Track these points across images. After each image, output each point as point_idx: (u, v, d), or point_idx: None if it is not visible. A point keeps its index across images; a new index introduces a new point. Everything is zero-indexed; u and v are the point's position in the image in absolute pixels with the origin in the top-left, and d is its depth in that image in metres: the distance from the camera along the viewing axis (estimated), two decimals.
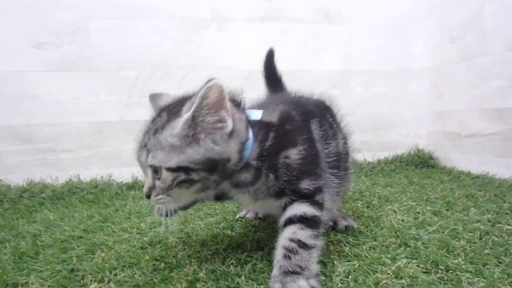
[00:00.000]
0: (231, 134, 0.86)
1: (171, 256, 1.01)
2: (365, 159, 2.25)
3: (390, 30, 2.32)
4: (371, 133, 2.32)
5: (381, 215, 1.28)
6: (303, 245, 0.87)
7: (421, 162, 2.21)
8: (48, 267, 0.97)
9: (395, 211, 1.33)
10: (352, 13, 2.25)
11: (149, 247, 1.08)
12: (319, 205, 0.93)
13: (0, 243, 1.17)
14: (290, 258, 0.86)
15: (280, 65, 2.14)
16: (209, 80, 0.84)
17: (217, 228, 1.24)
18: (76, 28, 1.88)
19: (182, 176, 0.83)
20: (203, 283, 0.86)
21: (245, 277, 0.87)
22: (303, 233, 0.89)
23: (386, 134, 2.35)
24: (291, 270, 0.84)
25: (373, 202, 1.46)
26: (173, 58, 1.99)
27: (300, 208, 0.91)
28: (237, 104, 1.00)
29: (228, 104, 0.87)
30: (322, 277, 0.88)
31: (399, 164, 2.18)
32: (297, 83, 2.14)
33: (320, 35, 2.19)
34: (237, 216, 1.35)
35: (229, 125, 0.86)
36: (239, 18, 2.06)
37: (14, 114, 1.83)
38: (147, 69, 1.95)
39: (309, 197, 0.92)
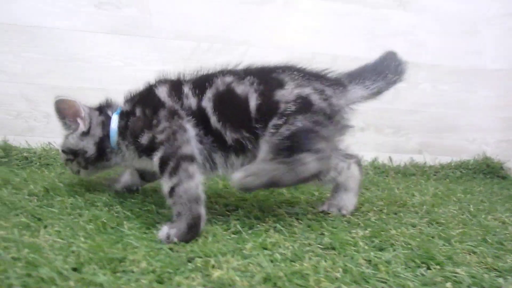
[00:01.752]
0: (86, 133, 1.16)
1: None
2: (425, 162, 2.00)
3: (464, 26, 2.07)
4: (434, 134, 2.07)
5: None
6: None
7: (490, 172, 1.93)
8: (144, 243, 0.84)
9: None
10: (427, 3, 2.00)
11: None
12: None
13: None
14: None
15: (342, 50, 1.94)
16: (57, 96, 1.14)
17: None
18: None
19: (64, 156, 1.20)
20: None
21: None
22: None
23: (449, 137, 2.09)
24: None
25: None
26: (233, 32, 1.81)
27: None
28: (99, 108, 1.21)
29: (84, 112, 1.15)
30: None
31: (465, 171, 1.91)
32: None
33: (389, 22, 1.97)
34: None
35: (81, 128, 1.15)
36: None
37: (64, 75, 1.70)
38: (205, 40, 1.77)
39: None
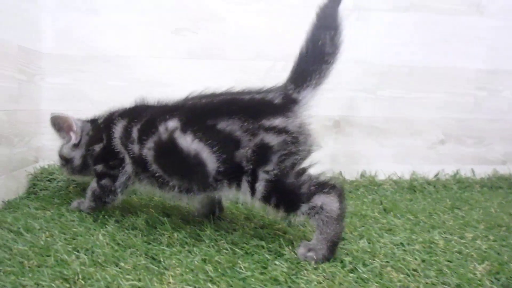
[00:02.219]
0: (76, 145, 1.36)
1: None
2: (511, 173, 1.87)
3: None
4: None
5: None
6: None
7: None
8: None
9: None
10: (506, 6, 1.87)
11: None
12: (103, 183, 1.26)
13: None
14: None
15: (420, 60, 1.86)
16: (52, 113, 1.38)
17: None
18: (212, 14, 1.74)
19: (59, 161, 1.42)
20: None
21: None
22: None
23: None
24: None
25: None
26: None
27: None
28: (92, 121, 1.40)
29: (75, 127, 1.36)
30: None
31: None
32: (436, 81, 1.86)
33: (467, 29, 1.88)
34: None
35: (73, 140, 1.36)
36: (381, 7, 1.78)
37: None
38: (282, 59, 1.75)
39: (97, 176, 1.29)
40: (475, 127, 1.91)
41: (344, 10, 1.72)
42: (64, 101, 1.72)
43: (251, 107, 1.04)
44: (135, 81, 1.71)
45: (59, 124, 1.36)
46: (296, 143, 0.99)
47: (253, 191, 1.00)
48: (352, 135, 1.84)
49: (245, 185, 1.01)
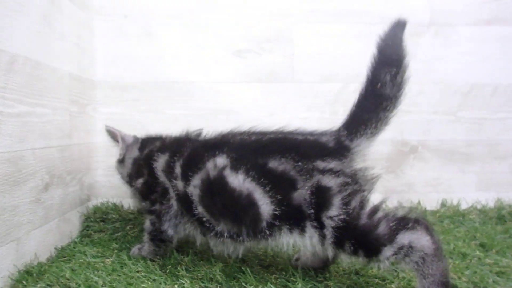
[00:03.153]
0: (121, 161, 1.26)
1: None
2: None
3: None
4: None
5: None
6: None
7: None
8: None
9: None
10: None
11: None
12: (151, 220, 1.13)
13: None
14: None
15: (505, 78, 1.64)
16: (106, 126, 1.31)
17: None
18: (277, 35, 1.58)
19: None
20: None
21: None
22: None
23: None
24: None
25: None
26: None
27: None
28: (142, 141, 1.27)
29: (121, 144, 1.26)
30: None
31: None
32: None
33: None
34: None
35: (120, 155, 1.27)
36: (460, 22, 1.61)
37: (207, 128, 1.52)
38: (353, 81, 1.56)
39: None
40: None
41: (420, 25, 1.60)
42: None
43: (305, 147, 0.92)
44: (195, 109, 1.55)
45: (112, 138, 1.32)
46: (357, 182, 0.87)
47: (322, 236, 0.87)
48: (431, 161, 1.64)
49: (311, 230, 0.88)
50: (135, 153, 1.21)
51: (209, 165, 0.95)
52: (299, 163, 0.88)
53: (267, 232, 0.90)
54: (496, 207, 1.63)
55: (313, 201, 0.86)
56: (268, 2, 1.56)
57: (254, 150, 0.94)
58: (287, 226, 0.89)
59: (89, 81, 1.47)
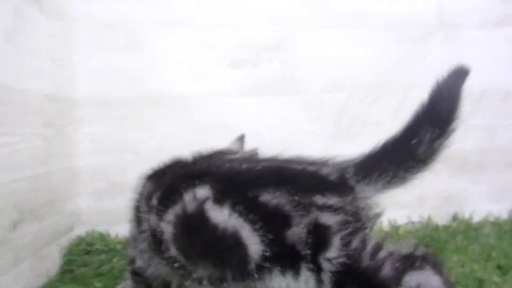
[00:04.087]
0: None
1: None
2: None
3: None
4: None
5: None
6: None
7: None
8: None
9: None
10: None
11: None
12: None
13: None
14: None
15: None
16: None
17: None
18: (277, 42, 1.43)
19: None
20: None
21: None
22: None
23: None
24: None
25: None
26: (389, 76, 1.47)
27: None
28: None
29: None
30: None
31: None
32: None
33: None
34: None
35: None
36: (469, 24, 1.48)
37: (203, 145, 1.36)
38: (358, 91, 1.44)
39: None
40: None
41: (428, 28, 1.46)
42: (103, 154, 1.36)
43: (302, 179, 0.77)
44: (189, 124, 1.38)
45: None
46: (359, 220, 0.74)
47: (319, 281, 0.73)
48: (442, 172, 1.52)
49: (306, 273, 0.73)
50: None
51: (187, 197, 0.78)
52: (295, 197, 0.73)
53: (256, 276, 0.75)
54: (510, 219, 1.51)
55: (309, 240, 0.72)
56: (265, 8, 1.41)
57: (244, 181, 0.78)
58: (279, 267, 0.74)
59: (67, 99, 1.29)
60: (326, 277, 0.72)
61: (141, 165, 1.40)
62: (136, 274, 0.95)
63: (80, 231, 1.33)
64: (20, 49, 1.02)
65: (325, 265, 0.72)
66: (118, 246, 1.31)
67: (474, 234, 1.41)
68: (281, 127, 1.42)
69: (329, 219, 0.72)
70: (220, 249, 0.75)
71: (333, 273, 0.71)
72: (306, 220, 0.72)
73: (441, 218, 1.49)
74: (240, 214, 0.74)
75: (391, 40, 1.45)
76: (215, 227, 0.74)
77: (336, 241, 0.72)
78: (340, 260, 0.71)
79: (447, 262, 1.16)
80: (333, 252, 0.71)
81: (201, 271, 0.79)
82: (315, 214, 0.72)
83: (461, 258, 1.21)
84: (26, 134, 1.03)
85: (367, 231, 0.75)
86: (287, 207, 0.73)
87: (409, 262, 0.72)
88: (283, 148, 1.39)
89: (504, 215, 1.52)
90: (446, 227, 1.46)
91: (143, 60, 1.36)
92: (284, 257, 0.74)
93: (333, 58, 1.43)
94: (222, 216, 0.74)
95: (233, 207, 0.74)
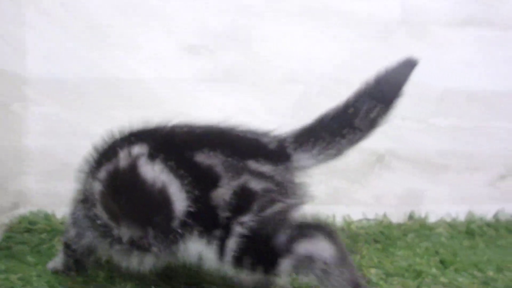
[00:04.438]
0: None
1: None
2: None
3: None
4: None
5: None
6: None
7: None
8: None
9: None
10: None
11: None
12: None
13: None
14: None
15: (481, 84, 1.48)
16: None
17: None
18: (235, 30, 1.39)
19: None
20: None
21: None
22: None
23: None
24: None
25: None
26: (350, 70, 1.42)
27: None
28: None
29: None
30: None
31: None
32: (499, 107, 1.50)
33: None
34: None
35: None
36: (434, 22, 1.45)
37: None
38: (317, 83, 1.41)
39: None
40: None
41: (391, 24, 1.43)
42: (53, 135, 1.34)
43: (240, 143, 0.81)
44: (142, 109, 1.35)
45: None
46: (282, 193, 0.76)
47: (222, 251, 0.73)
48: (399, 171, 1.49)
49: (214, 243, 0.74)
50: None
51: (122, 154, 0.78)
52: (229, 159, 0.75)
53: (179, 233, 0.74)
54: (467, 220, 1.49)
55: (232, 202, 0.73)
56: None
57: (181, 141, 0.80)
58: (199, 228, 0.74)
59: (17, 76, 1.26)
60: (232, 242, 0.72)
61: (91, 147, 1.39)
62: (67, 246, 0.93)
63: (25, 210, 1.31)
64: None
65: (237, 229, 0.72)
66: (61, 227, 1.28)
67: (427, 233, 1.41)
68: (237, 116, 1.38)
69: (257, 185, 0.74)
70: (146, 205, 0.75)
71: (240, 237, 0.72)
72: (235, 183, 0.73)
73: (398, 217, 1.47)
74: (171, 170, 0.74)
75: (353, 35, 1.42)
76: (144, 182, 0.74)
77: (254, 207, 0.73)
78: (250, 223, 0.72)
79: (391, 256, 1.17)
80: (248, 217, 0.72)
81: (123, 230, 0.77)
82: (245, 178, 0.74)
83: (406, 253, 1.21)
84: None
85: (288, 204, 0.76)
86: (219, 168, 0.74)
87: (302, 231, 0.74)
88: None
89: (462, 217, 1.50)
90: (399, 225, 1.44)
91: (98, 42, 1.33)
92: (205, 218, 0.74)
93: (292, 50, 1.40)
94: (152, 171, 0.74)
95: (165, 163, 0.74)
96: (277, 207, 0.75)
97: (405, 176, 1.49)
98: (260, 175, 0.76)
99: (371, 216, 1.46)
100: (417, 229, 1.42)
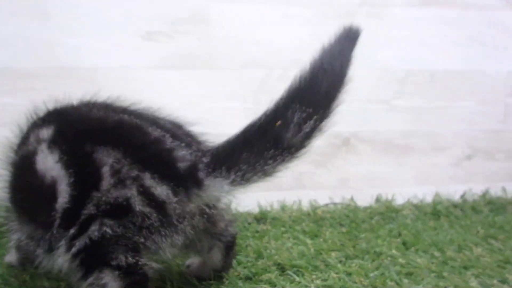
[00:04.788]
0: None
1: None
2: None
3: None
4: None
5: None
6: None
7: None
8: None
9: None
10: None
11: None
12: None
13: None
14: None
15: (443, 64, 1.48)
16: None
17: None
18: (193, 15, 1.37)
19: None
20: None
21: None
22: None
23: None
24: None
25: None
26: (310, 53, 1.37)
27: None
28: None
29: None
30: None
31: None
32: (462, 87, 1.51)
33: (500, 27, 1.53)
34: None
35: None
36: (394, 2, 1.43)
37: None
38: (277, 67, 1.38)
39: None
40: (506, 139, 1.56)
41: (350, 5, 1.41)
42: (14, 126, 1.30)
43: (146, 151, 0.67)
44: (98, 98, 1.30)
45: None
46: (164, 231, 0.65)
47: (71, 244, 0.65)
48: (365, 153, 1.48)
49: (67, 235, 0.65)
50: None
51: (31, 138, 0.71)
52: (124, 166, 0.63)
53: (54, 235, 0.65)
54: (433, 202, 1.49)
55: (104, 208, 0.63)
56: None
57: (88, 130, 0.69)
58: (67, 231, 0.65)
59: None
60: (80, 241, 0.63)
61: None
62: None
63: None
64: None
65: (92, 228, 0.63)
66: None
67: (393, 216, 1.39)
68: (198, 103, 1.37)
69: (140, 206, 0.63)
70: (34, 199, 0.67)
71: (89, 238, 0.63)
72: (116, 193, 0.63)
73: (364, 201, 1.46)
74: (64, 165, 0.65)
75: (312, 16, 1.40)
76: (35, 172, 0.66)
77: (126, 223, 0.63)
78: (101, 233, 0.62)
79: (354, 239, 1.16)
80: (104, 227, 0.63)
81: (19, 224, 0.71)
82: (131, 192, 0.63)
83: (369, 236, 1.20)
84: None
85: (138, 240, 0.64)
86: (108, 172, 0.64)
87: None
88: (201, 125, 1.35)
89: (429, 199, 1.50)
90: (366, 208, 1.44)
91: (52, 30, 1.30)
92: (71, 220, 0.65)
93: (251, 33, 1.38)
94: (47, 162, 0.66)
95: (61, 156, 0.65)
96: (139, 238, 0.64)
97: (370, 158, 1.48)
98: (145, 195, 0.64)
99: (338, 200, 1.47)
100: (383, 212, 1.41)
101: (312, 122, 0.67)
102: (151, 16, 1.34)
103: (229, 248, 0.82)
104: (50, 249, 0.65)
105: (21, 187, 0.69)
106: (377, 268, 0.97)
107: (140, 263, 0.64)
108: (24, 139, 0.73)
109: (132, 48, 1.33)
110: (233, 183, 0.66)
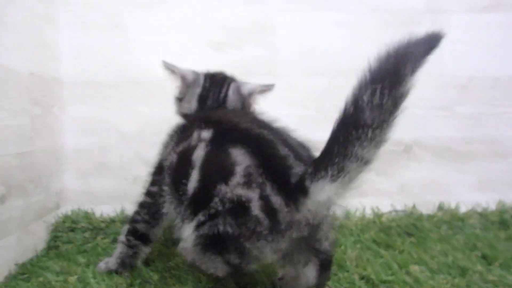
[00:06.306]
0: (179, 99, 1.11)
1: None
2: None
3: None
4: None
5: None
6: None
7: None
8: None
9: None
10: None
11: None
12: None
13: None
14: None
15: (507, 70, 1.40)
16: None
17: None
18: (257, 25, 1.38)
19: None
20: None
21: None
22: None
23: None
24: None
25: None
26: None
27: None
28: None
29: (181, 82, 1.09)
30: None
31: None
32: None
33: None
34: None
35: (179, 94, 1.09)
36: (457, 9, 1.40)
37: None
38: (340, 75, 1.37)
39: None
40: None
41: (414, 13, 1.38)
42: (88, 134, 1.36)
43: (276, 165, 0.73)
44: (170, 107, 1.32)
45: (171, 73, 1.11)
46: (274, 234, 0.70)
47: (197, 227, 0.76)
48: (427, 160, 1.45)
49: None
50: (197, 89, 1.06)
51: (195, 135, 0.82)
52: (255, 168, 0.71)
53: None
54: (498, 210, 1.43)
55: (225, 206, 0.71)
56: None
57: (236, 138, 0.77)
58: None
59: (53, 79, 1.29)
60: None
61: (124, 146, 1.39)
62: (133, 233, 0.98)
63: (66, 209, 1.33)
64: (5, 28, 1.01)
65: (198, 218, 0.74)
66: (102, 225, 1.30)
67: (460, 225, 1.35)
68: (263, 110, 1.37)
69: (256, 207, 0.69)
70: (180, 179, 0.78)
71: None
72: (241, 192, 0.70)
73: (425, 207, 1.42)
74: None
75: (376, 24, 1.40)
76: (190, 162, 0.76)
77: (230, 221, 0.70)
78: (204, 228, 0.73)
79: (430, 251, 1.12)
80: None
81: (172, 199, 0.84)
82: (253, 195, 0.69)
83: (445, 247, 1.16)
84: (13, 111, 1.04)
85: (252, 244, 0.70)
86: (241, 172, 0.71)
87: None
88: None
89: (492, 206, 1.44)
90: (430, 217, 1.39)
91: (126, 42, 1.35)
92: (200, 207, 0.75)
93: (315, 41, 1.38)
94: (199, 155, 0.77)
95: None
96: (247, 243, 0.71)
97: (430, 165, 1.44)
98: (265, 203, 0.71)
99: (398, 207, 1.43)
100: (449, 220, 1.36)
101: (386, 93, 0.66)
102: (219, 27, 1.37)
103: (325, 266, 0.81)
104: (182, 221, 0.77)
105: (177, 170, 0.81)
106: (468, 285, 0.92)
107: (242, 264, 0.71)
108: (188, 136, 0.83)
109: (201, 58, 1.36)
110: (332, 178, 0.66)
